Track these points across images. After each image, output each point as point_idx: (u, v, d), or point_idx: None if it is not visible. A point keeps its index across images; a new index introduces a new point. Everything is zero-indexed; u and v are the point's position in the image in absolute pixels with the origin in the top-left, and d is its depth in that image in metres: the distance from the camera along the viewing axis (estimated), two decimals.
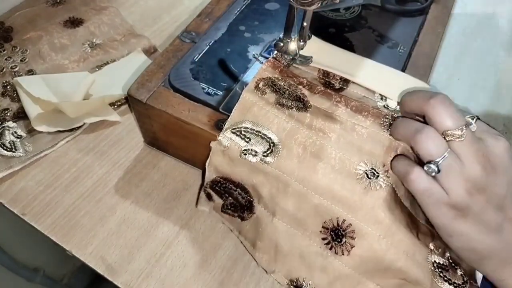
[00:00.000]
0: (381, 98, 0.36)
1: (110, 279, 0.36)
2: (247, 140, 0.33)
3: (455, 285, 0.30)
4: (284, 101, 0.35)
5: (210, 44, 0.42)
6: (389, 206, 0.30)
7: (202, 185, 0.38)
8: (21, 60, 0.49)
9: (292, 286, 0.34)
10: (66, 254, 0.38)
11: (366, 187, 0.31)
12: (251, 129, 0.33)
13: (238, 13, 0.45)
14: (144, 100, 0.37)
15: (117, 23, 0.54)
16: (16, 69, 0.48)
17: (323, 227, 0.31)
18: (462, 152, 0.28)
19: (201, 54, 0.41)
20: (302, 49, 0.36)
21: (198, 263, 0.37)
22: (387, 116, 0.34)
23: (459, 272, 0.31)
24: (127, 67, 0.49)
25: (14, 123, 0.44)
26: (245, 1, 0.47)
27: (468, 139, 0.28)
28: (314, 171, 0.31)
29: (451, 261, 0.31)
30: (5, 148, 0.42)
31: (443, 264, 0.30)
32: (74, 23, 0.53)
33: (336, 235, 0.31)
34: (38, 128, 0.43)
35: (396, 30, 0.44)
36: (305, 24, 0.34)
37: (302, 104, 0.35)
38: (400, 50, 0.42)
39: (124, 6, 0.57)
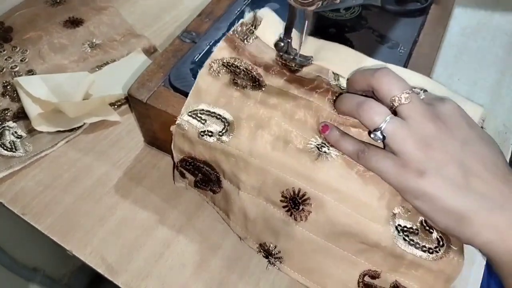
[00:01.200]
0: (334, 78, 0.37)
1: (110, 278, 0.36)
2: (203, 122, 0.34)
3: (424, 249, 0.29)
4: (239, 81, 0.36)
5: (211, 44, 0.42)
6: (343, 175, 0.31)
7: (174, 163, 0.38)
8: (21, 60, 0.49)
9: (262, 250, 0.35)
10: (66, 254, 0.38)
11: (318, 158, 0.32)
12: (206, 110, 0.35)
13: (238, 13, 0.45)
14: (145, 100, 0.37)
15: (116, 23, 0.54)
16: (16, 69, 0.48)
17: (282, 196, 0.32)
18: (409, 114, 0.29)
19: (201, 54, 0.41)
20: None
21: (198, 263, 0.37)
22: (337, 94, 0.35)
23: (434, 235, 0.30)
24: (127, 67, 0.49)
25: (14, 123, 0.44)
26: (245, 1, 0.47)
27: (415, 102, 0.29)
28: (268, 147, 0.32)
29: (425, 224, 0.30)
30: (5, 148, 0.42)
31: (411, 227, 0.30)
32: (74, 23, 0.53)
33: (294, 204, 0.32)
34: (38, 128, 0.43)
35: (396, 30, 0.45)
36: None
37: (257, 84, 0.36)
38: (400, 51, 0.42)
39: (124, 6, 0.57)
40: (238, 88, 0.36)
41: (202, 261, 0.37)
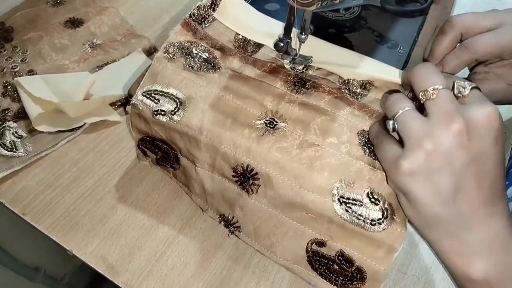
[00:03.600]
0: (290, 61, 0.38)
1: (110, 278, 0.36)
2: (156, 101, 0.35)
3: (366, 220, 0.30)
4: (194, 64, 0.37)
5: None
6: (285, 148, 0.32)
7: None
8: (21, 60, 0.49)
9: (222, 221, 0.37)
10: (67, 254, 0.38)
11: (264, 134, 0.33)
12: (160, 91, 0.36)
13: None
14: None
15: (117, 23, 0.54)
16: (17, 69, 0.48)
17: (233, 171, 0.34)
18: (430, 110, 0.28)
19: None
20: (303, 42, 0.36)
21: (199, 262, 0.37)
22: (291, 75, 0.36)
23: (379, 207, 0.30)
24: (127, 67, 0.49)
25: (14, 123, 0.44)
26: (246, 1, 0.47)
27: (441, 99, 0.27)
28: (217, 125, 0.34)
29: (370, 196, 0.30)
30: (5, 148, 0.42)
31: (354, 199, 0.30)
32: (75, 23, 0.53)
33: (245, 178, 0.33)
34: (39, 128, 0.43)
35: (395, 30, 0.45)
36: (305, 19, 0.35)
37: (212, 66, 0.37)
38: (400, 51, 0.42)
39: (125, 6, 0.57)
40: (193, 70, 0.37)
41: (203, 260, 0.37)
